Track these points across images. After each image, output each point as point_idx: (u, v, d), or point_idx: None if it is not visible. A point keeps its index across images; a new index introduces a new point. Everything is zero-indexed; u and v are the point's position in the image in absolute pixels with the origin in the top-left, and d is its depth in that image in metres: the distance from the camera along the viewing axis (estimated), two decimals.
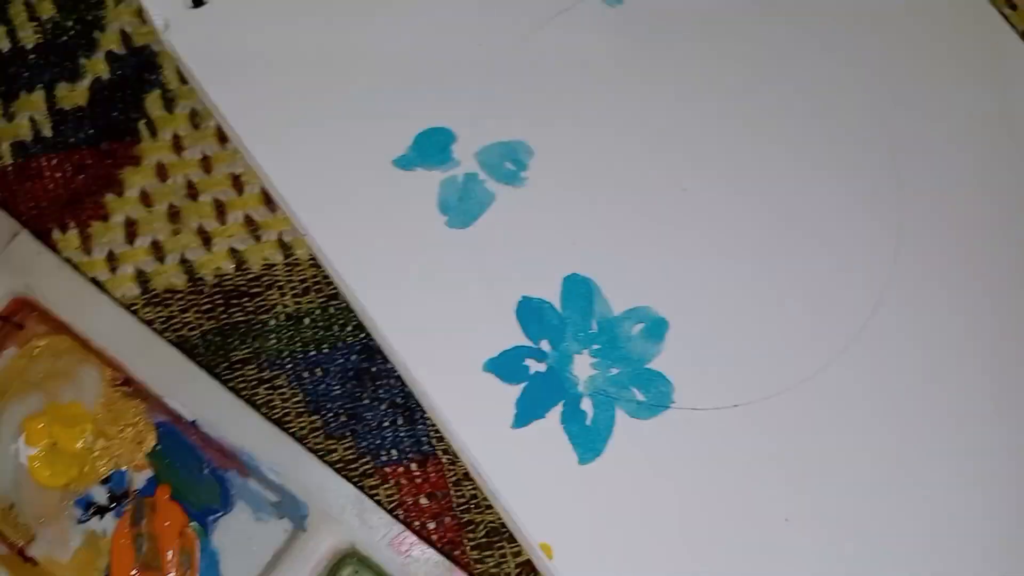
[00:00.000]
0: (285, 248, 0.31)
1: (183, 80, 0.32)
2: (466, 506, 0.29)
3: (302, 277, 0.30)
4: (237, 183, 0.31)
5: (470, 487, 0.29)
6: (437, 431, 0.29)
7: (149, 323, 0.30)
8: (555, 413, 0.27)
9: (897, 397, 0.28)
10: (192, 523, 0.28)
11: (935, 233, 0.30)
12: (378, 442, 0.29)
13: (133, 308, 0.30)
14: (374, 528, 0.27)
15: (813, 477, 0.27)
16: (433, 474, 0.29)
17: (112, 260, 0.30)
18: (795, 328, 0.28)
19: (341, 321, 0.30)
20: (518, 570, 0.28)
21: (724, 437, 0.27)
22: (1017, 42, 0.32)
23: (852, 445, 0.28)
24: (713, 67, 0.31)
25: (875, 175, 0.30)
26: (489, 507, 0.29)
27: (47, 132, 0.31)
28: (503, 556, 0.29)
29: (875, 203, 0.30)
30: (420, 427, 0.29)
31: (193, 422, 0.28)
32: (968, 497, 0.27)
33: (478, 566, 0.28)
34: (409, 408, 0.30)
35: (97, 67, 0.32)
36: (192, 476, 0.28)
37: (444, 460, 0.29)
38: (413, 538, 0.27)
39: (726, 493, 0.27)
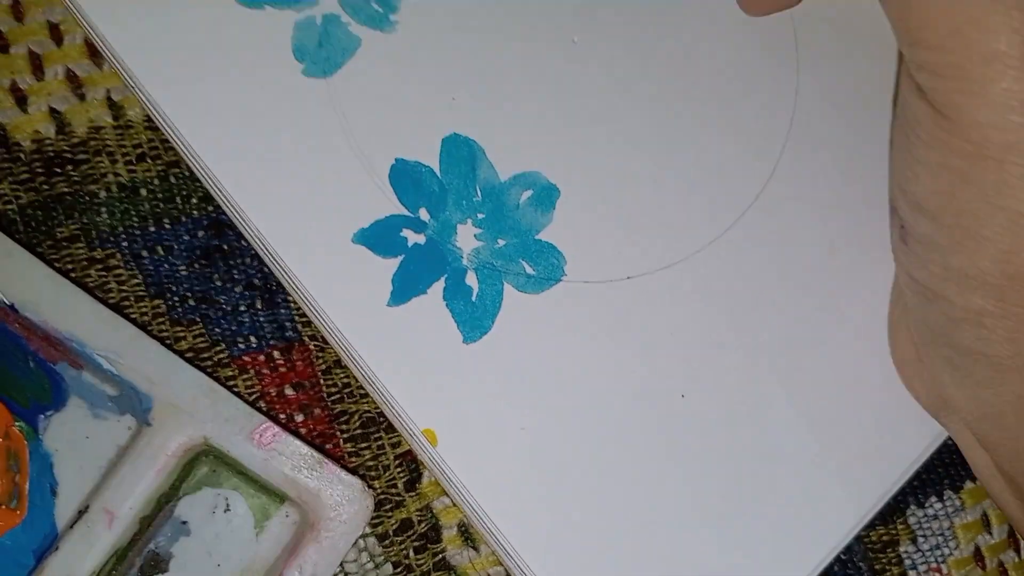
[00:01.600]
0: (115, 108, 0.26)
1: None
2: (338, 395, 0.26)
3: (136, 142, 0.26)
4: (55, 32, 0.26)
5: (342, 375, 0.26)
6: (302, 314, 0.26)
7: None
8: (437, 289, 0.25)
9: (791, 267, 0.26)
10: (18, 422, 0.24)
11: (831, 101, 0.28)
12: (234, 328, 0.26)
13: None
14: (230, 420, 0.24)
15: (709, 350, 0.26)
16: (299, 362, 0.26)
17: None
18: (689, 198, 0.26)
19: (184, 192, 0.26)
20: (397, 461, 0.26)
21: (618, 311, 0.25)
22: None
23: (747, 317, 0.26)
24: None
25: (774, 39, 0.28)
26: (364, 396, 0.26)
27: None
28: (380, 447, 0.26)
29: (772, 68, 0.28)
30: (283, 310, 0.26)
31: (12, 306, 0.24)
32: (869, 364, 0.26)
33: (353, 459, 0.26)
34: (269, 289, 0.26)
35: None
36: (15, 370, 0.24)
37: (312, 346, 0.26)
38: (276, 429, 0.24)
39: (620, 369, 0.25)
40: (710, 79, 0.27)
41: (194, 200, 0.26)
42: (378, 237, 0.25)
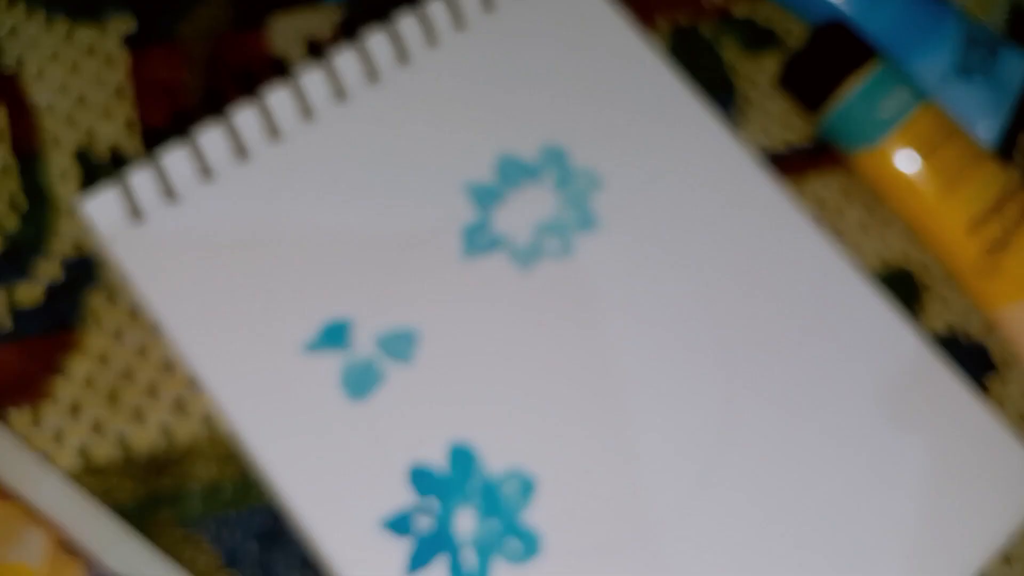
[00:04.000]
0: (209, 423, 0.36)
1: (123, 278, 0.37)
2: None
3: (224, 448, 0.35)
4: (168, 367, 0.36)
5: None
6: None
7: (89, 491, 0.34)
8: (442, 564, 0.32)
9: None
10: None
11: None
12: None
13: (76, 478, 0.34)
14: None
15: None
16: None
17: (58, 435, 0.35)
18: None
19: (257, 488, 0.35)
20: None
21: None
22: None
23: None
24: (569, 270, 0.37)
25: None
26: None
27: (8, 324, 0.36)
28: None
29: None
30: None
31: None
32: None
33: None
34: (314, 568, 0.34)
35: (51, 270, 0.37)
36: None
37: None
38: None
39: None
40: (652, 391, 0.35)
41: (264, 494, 0.35)
42: (398, 523, 0.32)
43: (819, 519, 0.34)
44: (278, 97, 0.37)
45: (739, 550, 0.33)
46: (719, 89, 0.43)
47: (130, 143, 0.39)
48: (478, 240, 0.36)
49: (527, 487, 0.33)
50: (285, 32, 0.41)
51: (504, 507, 0.33)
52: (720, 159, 0.39)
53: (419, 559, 0.32)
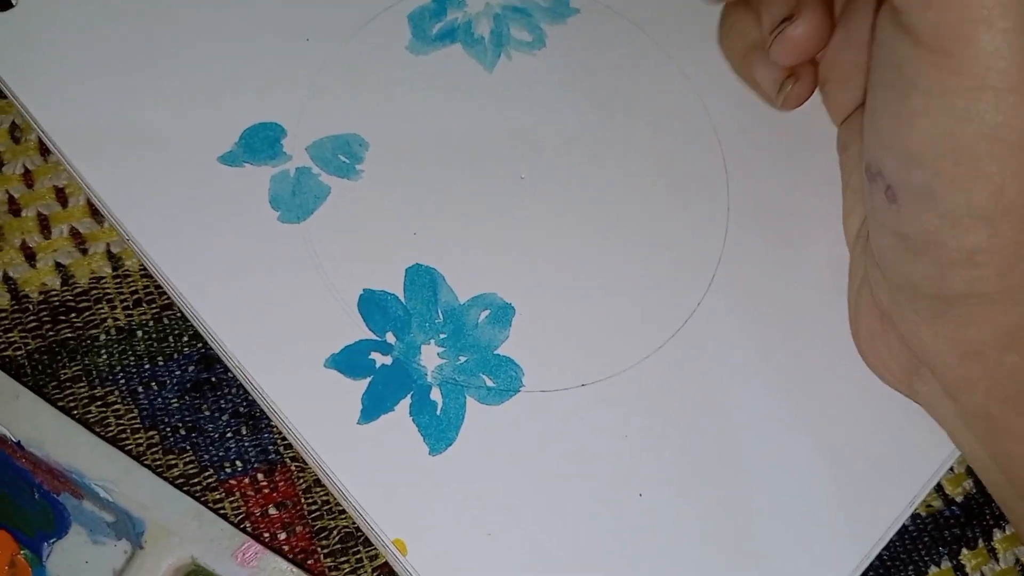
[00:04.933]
0: (114, 260, 0.29)
1: (1, 95, 0.30)
2: (318, 512, 0.28)
3: (133, 289, 0.29)
4: (61, 196, 0.30)
5: (321, 493, 0.28)
6: (284, 438, 0.28)
7: None
8: (404, 405, 0.27)
9: (737, 367, 0.28)
10: (23, 551, 0.26)
11: (760, 216, 0.30)
12: (221, 454, 0.28)
13: None
14: (215, 540, 0.26)
15: (662, 451, 0.27)
16: (282, 483, 0.28)
17: None
18: (635, 309, 0.29)
19: (176, 332, 0.29)
20: (376, 574, 0.27)
21: (573, 417, 0.27)
22: None
23: (697, 418, 0.28)
24: (544, 62, 0.31)
25: (705, 160, 0.31)
26: (342, 512, 0.28)
27: None
28: (359, 561, 0.27)
29: (706, 187, 0.30)
30: (266, 435, 0.28)
31: (19, 443, 0.27)
32: (809, 464, 0.28)
33: (333, 573, 0.27)
34: (253, 416, 0.28)
35: None
36: (21, 501, 0.27)
37: (293, 467, 0.28)
38: (259, 547, 0.26)
39: (579, 473, 0.27)
40: (647, 202, 0.30)
41: (185, 339, 0.29)
42: (348, 361, 0.27)
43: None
44: None
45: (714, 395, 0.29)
46: None
47: None
48: (429, 29, 0.30)
49: (505, 313, 0.28)
50: None
51: (478, 339, 0.28)
52: None
53: (375, 402, 0.27)
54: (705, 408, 0.28)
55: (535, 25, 0.31)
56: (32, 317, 0.29)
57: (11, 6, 0.28)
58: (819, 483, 0.27)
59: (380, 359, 0.27)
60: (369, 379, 0.27)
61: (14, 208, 0.30)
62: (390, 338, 0.27)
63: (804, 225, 0.30)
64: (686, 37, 0.32)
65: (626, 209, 0.30)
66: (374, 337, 0.27)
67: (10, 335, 0.28)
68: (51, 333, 0.28)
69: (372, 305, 0.27)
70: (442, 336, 0.27)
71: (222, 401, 0.28)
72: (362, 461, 0.26)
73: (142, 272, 0.29)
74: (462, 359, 0.27)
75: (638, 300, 0.29)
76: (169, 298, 0.29)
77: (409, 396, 0.27)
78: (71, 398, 0.28)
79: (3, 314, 0.29)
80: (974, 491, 0.31)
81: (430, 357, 0.27)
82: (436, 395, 0.27)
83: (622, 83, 0.31)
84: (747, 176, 0.30)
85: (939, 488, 0.31)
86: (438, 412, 0.27)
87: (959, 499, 0.31)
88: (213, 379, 0.29)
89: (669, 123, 0.31)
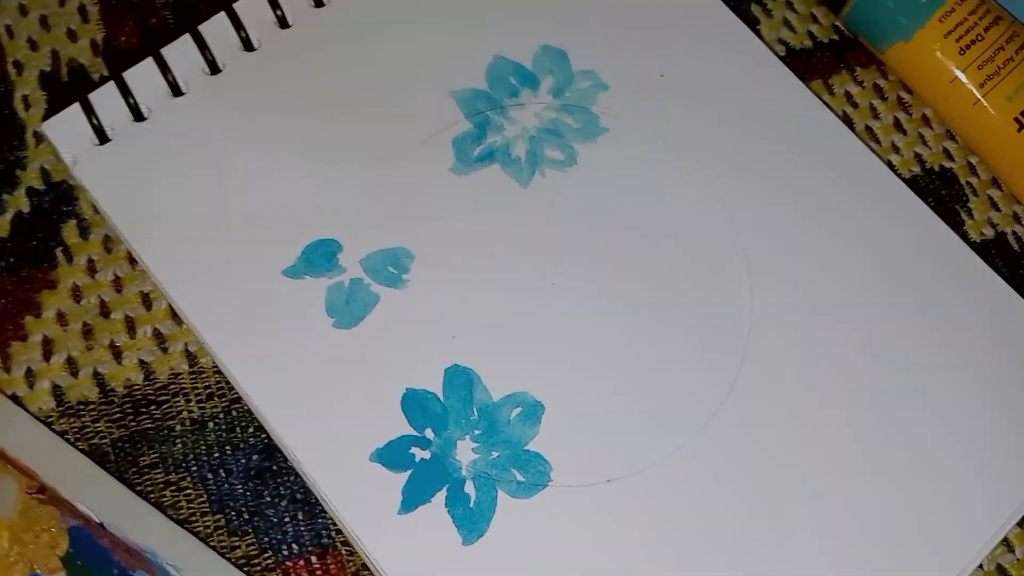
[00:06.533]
0: (191, 358, 0.33)
1: (96, 210, 0.35)
2: None
3: (206, 384, 0.33)
4: (146, 300, 0.34)
5: None
6: (335, 524, 0.31)
7: (63, 434, 0.32)
8: (440, 497, 0.29)
9: (761, 463, 0.30)
10: None
11: (784, 312, 0.32)
12: (279, 537, 0.31)
13: (48, 420, 0.32)
14: None
15: (691, 547, 0.29)
16: (332, 566, 0.31)
17: (30, 376, 0.33)
18: (660, 407, 0.31)
19: (243, 424, 0.32)
20: None
21: (600, 512, 0.29)
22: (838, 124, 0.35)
23: (724, 512, 0.29)
24: (575, 178, 0.34)
25: (728, 265, 0.33)
26: None
27: None
28: None
29: (729, 292, 0.32)
30: (320, 520, 0.31)
31: (101, 524, 0.30)
32: (841, 557, 0.29)
33: None
34: (308, 503, 0.31)
35: (19, 202, 0.35)
36: None
37: (343, 551, 0.31)
38: None
39: (606, 569, 0.29)
40: (672, 305, 0.32)
41: (250, 430, 0.32)
42: (391, 455, 0.30)
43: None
44: (249, 5, 0.34)
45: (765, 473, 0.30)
46: None
47: (97, 64, 0.36)
48: (470, 152, 0.33)
49: (535, 411, 0.30)
50: None
51: (509, 435, 0.30)
52: (738, 54, 0.36)
53: (414, 494, 0.29)
54: (733, 503, 0.29)
55: (567, 144, 0.34)
56: (117, 409, 0.32)
57: (108, 140, 0.33)
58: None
59: (419, 453, 0.30)
60: (409, 472, 0.29)
61: (104, 311, 0.33)
62: (429, 434, 0.30)
63: (827, 323, 0.32)
64: (711, 152, 0.34)
65: (652, 312, 0.32)
66: (415, 433, 0.30)
67: (97, 425, 0.32)
68: (133, 424, 0.32)
69: (414, 403, 0.30)
70: (477, 432, 0.30)
71: (281, 488, 0.31)
72: (401, 549, 0.29)
73: (214, 369, 0.33)
74: (495, 454, 0.30)
75: (663, 398, 0.31)
76: (237, 393, 0.32)
77: (445, 488, 0.29)
78: (148, 483, 0.31)
79: (91, 406, 0.32)
80: None
81: (465, 452, 0.30)
82: (470, 488, 0.29)
83: (648, 196, 0.33)
84: (769, 279, 0.33)
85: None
86: (471, 504, 0.29)
87: None
88: (274, 467, 0.32)
89: (692, 231, 0.33)
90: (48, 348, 0.33)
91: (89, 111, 0.32)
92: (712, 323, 0.32)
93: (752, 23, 0.38)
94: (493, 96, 0.34)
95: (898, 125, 0.38)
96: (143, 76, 0.33)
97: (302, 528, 0.31)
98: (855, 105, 0.38)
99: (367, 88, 0.34)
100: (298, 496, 0.31)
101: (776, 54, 0.36)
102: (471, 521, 0.29)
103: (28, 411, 0.32)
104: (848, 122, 0.37)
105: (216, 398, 0.33)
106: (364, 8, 0.35)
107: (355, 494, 0.29)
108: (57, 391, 0.32)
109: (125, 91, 0.32)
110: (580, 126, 0.34)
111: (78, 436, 0.32)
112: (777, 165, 0.34)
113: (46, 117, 0.33)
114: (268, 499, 0.31)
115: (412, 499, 0.29)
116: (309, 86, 0.34)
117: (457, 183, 0.33)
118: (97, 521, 0.30)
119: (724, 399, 0.31)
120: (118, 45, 0.37)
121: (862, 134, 0.37)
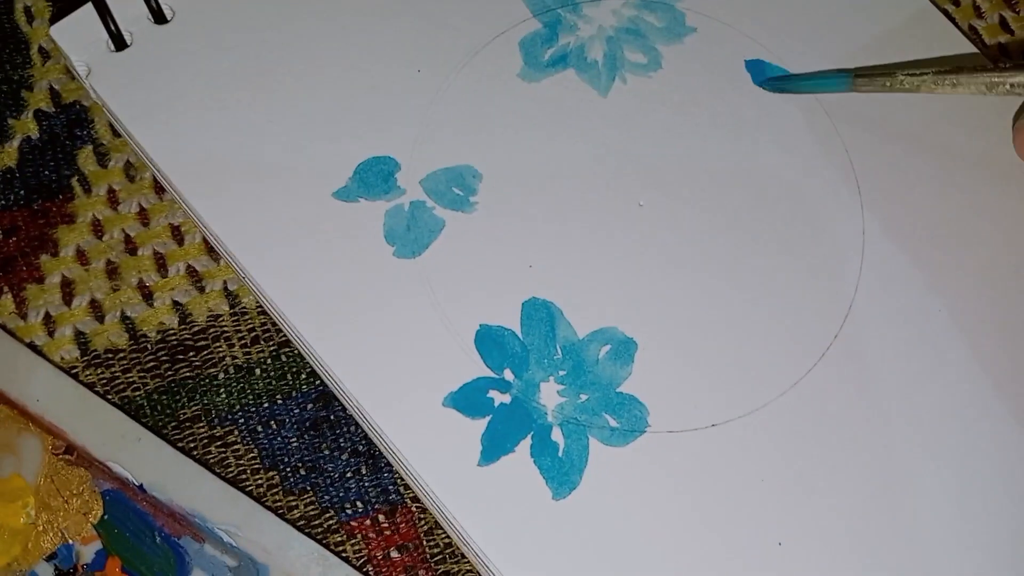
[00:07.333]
0: (231, 297, 0.29)
1: (116, 133, 0.31)
2: (440, 556, 0.27)
3: (250, 326, 0.29)
4: (177, 233, 0.30)
5: (443, 535, 0.27)
6: (403, 479, 0.28)
7: (90, 386, 0.28)
8: (524, 446, 0.26)
9: (875, 406, 0.27)
10: None
11: (897, 238, 0.28)
12: (341, 494, 0.28)
13: (73, 371, 0.28)
14: None
15: (802, 496, 0.26)
16: (403, 524, 0.27)
17: (49, 323, 0.29)
18: (767, 343, 0.27)
19: (294, 369, 0.29)
20: None
21: (705, 459, 0.26)
22: (963, 41, 0.31)
23: (836, 459, 0.26)
24: (661, 84, 0.30)
25: (836, 182, 0.29)
26: (464, 556, 0.27)
27: None
28: None
29: (838, 211, 0.29)
30: (386, 475, 0.28)
31: (141, 487, 0.27)
32: (961, 502, 0.26)
33: None
34: (372, 456, 0.28)
35: (26, 127, 0.31)
36: (144, 545, 0.27)
37: (414, 508, 0.28)
38: None
39: (713, 519, 0.25)
40: (776, 227, 0.28)
41: (303, 376, 0.28)
42: (466, 399, 0.26)
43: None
44: None
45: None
46: None
47: None
48: (541, 55, 0.29)
49: (627, 349, 0.27)
50: None
51: (599, 376, 0.27)
52: None
53: (495, 442, 0.26)
54: (847, 450, 0.26)
55: (650, 46, 0.30)
56: (150, 357, 0.29)
57: (126, 46, 0.28)
58: (971, 530, 0.25)
59: (499, 397, 0.26)
60: (488, 418, 0.26)
61: (130, 247, 0.30)
62: (508, 375, 0.26)
63: (945, 248, 0.28)
64: (809, 51, 0.30)
65: (754, 236, 0.28)
66: (492, 374, 0.26)
67: (129, 375, 0.28)
68: (170, 373, 0.28)
69: (489, 341, 0.27)
70: (561, 373, 0.26)
71: (341, 440, 0.28)
72: (483, 505, 0.25)
73: (259, 309, 0.29)
74: (583, 397, 0.26)
75: (771, 333, 0.27)
76: (285, 335, 0.29)
77: (529, 436, 0.26)
78: (191, 438, 0.28)
79: (122, 354, 0.29)
80: None
81: (550, 395, 0.26)
82: (557, 436, 0.26)
83: (744, 103, 0.29)
84: (882, 197, 0.29)
85: None
86: (560, 454, 0.26)
87: None
88: (332, 417, 0.28)
89: (796, 143, 0.29)
90: (68, 290, 0.29)
91: (104, 12, 0.28)
92: (823, 246, 0.28)
93: None
94: None
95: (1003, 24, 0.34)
96: None
97: (366, 484, 0.28)
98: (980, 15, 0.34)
99: None
100: (360, 448, 0.28)
101: None
102: (561, 472, 0.26)
103: (50, 360, 0.28)
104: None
105: (262, 341, 0.29)
106: None
107: (427, 444, 0.26)
108: (81, 338, 0.29)
109: None
110: (664, 25, 0.30)
111: (107, 388, 0.28)
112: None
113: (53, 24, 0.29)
114: (327, 453, 0.28)
115: (493, 449, 0.26)
116: None
117: (527, 91, 0.29)
118: (135, 483, 0.27)
119: (838, 331, 0.27)
120: None
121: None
